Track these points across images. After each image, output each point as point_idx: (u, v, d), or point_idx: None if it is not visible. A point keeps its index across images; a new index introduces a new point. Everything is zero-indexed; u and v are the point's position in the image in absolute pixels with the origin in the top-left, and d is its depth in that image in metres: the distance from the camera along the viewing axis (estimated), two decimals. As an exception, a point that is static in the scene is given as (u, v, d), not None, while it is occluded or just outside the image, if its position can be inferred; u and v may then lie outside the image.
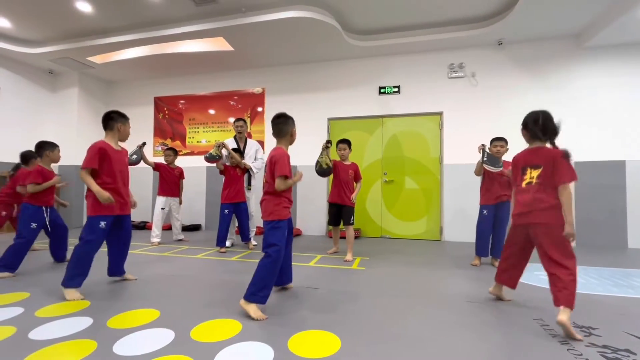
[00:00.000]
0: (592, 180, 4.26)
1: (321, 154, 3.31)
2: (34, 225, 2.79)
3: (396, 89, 4.99)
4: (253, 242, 4.02)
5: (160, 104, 6.20)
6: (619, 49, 4.26)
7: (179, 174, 4.58)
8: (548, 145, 1.87)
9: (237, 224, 3.99)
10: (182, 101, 6.07)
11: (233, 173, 3.81)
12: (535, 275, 2.77)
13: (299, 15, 3.97)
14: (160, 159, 4.89)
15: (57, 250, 3.13)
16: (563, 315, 1.63)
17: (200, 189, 5.77)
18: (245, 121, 4.13)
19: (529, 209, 1.85)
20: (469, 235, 3.97)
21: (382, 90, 5.04)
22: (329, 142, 3.32)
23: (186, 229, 5.31)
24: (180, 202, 4.64)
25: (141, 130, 6.06)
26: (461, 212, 4.65)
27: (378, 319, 1.86)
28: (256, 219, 4.02)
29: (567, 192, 1.75)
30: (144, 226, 5.58)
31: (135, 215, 5.72)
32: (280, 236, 1.98)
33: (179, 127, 6.08)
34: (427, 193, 4.87)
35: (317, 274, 2.85)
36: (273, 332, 1.68)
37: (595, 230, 4.24)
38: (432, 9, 4.10)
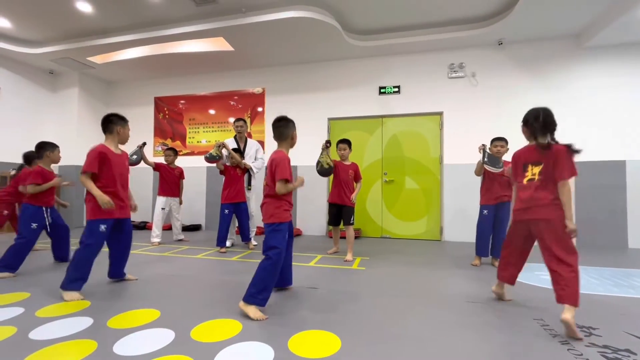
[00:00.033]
0: (592, 180, 4.26)
1: (321, 154, 3.31)
2: (34, 225, 2.79)
3: (396, 89, 4.99)
4: (253, 242, 4.02)
5: (160, 104, 6.21)
6: (619, 49, 4.26)
7: (179, 174, 4.58)
8: (548, 140, 1.86)
9: (237, 224, 3.99)
10: (182, 101, 6.07)
11: (233, 173, 3.81)
12: (535, 275, 2.77)
13: (299, 15, 3.98)
14: (161, 159, 4.90)
15: (59, 251, 3.14)
16: (567, 313, 1.63)
17: (200, 189, 5.77)
18: (245, 121, 4.12)
19: (530, 204, 1.85)
20: (469, 235, 3.96)
21: (382, 90, 5.04)
22: (328, 142, 3.33)
23: (186, 229, 5.31)
24: (181, 202, 4.64)
25: (141, 131, 6.07)
26: (461, 212, 4.65)
27: (378, 319, 1.86)
28: (256, 219, 4.02)
29: (567, 189, 1.75)
30: (144, 226, 5.59)
31: (136, 216, 5.70)
32: (280, 239, 1.98)
33: (179, 127, 6.08)
34: (427, 193, 4.87)
35: (317, 274, 2.85)
36: (273, 332, 1.68)
37: (595, 230, 4.24)
38: (432, 9, 4.10)
